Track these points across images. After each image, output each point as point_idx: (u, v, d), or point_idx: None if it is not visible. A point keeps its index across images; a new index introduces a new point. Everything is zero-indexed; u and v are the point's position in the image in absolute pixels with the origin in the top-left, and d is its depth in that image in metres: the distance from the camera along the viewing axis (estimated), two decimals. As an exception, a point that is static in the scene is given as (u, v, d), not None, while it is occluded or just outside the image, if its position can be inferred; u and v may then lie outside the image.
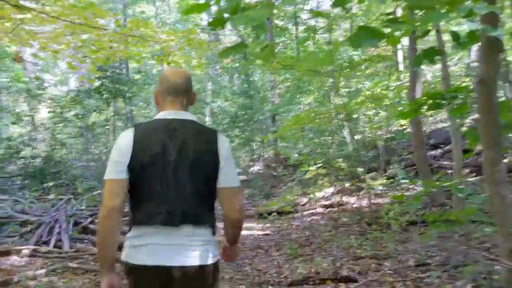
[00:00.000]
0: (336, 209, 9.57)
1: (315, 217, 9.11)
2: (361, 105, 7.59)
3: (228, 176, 1.93)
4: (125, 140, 1.89)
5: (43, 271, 4.73)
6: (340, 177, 11.37)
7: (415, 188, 10.06)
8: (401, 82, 9.28)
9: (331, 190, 10.36)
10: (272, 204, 7.92)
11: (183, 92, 2.00)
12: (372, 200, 9.70)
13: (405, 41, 14.39)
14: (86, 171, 12.52)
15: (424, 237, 4.01)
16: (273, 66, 7.29)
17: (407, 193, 9.75)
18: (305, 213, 9.72)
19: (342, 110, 7.23)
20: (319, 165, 8.48)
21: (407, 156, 12.27)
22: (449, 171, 10.31)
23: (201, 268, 1.85)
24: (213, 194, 1.94)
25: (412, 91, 8.15)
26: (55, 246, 6.03)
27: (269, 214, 9.56)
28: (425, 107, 3.72)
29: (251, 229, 8.56)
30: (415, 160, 8.29)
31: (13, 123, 12.06)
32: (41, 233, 6.33)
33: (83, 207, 8.58)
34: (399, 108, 7.90)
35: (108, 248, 1.86)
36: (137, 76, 15.43)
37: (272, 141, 16.92)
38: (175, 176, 1.86)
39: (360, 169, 9.70)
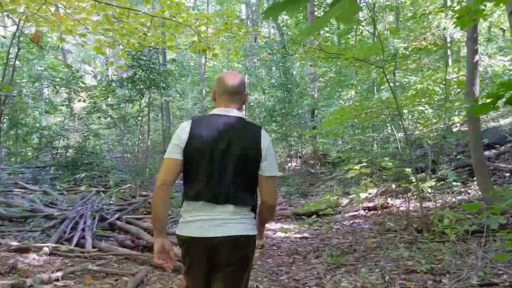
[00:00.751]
0: (380, 212, 8.86)
1: (357, 220, 8.44)
2: (413, 99, 6.84)
3: (268, 167, 2.28)
4: (184, 128, 2.29)
5: (60, 273, 4.31)
6: (385, 177, 10.62)
7: (468, 191, 9.23)
8: (456, 75, 8.44)
9: (374, 191, 9.63)
10: (312, 206, 7.32)
11: (236, 93, 2.36)
12: (419, 204, 8.94)
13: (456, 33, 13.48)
14: (119, 163, 12.24)
15: (499, 256, 3.31)
16: (316, 55, 6.65)
17: (459, 197, 8.95)
18: (346, 215, 9.06)
19: (392, 105, 6.52)
20: (363, 164, 7.78)
21: (458, 157, 11.38)
22: (507, 174, 9.43)
23: (239, 238, 2.21)
24: (254, 181, 2.30)
25: (470, 84, 7.34)
26: (77, 244, 5.64)
27: (307, 215, 8.96)
28: (503, 100, 3.05)
29: (288, 231, 7.98)
30: (472, 162, 7.47)
31: (47, 112, 11.91)
32: (64, 229, 5.97)
33: (111, 201, 8.22)
34: (457, 104, 7.10)
35: (160, 215, 2.24)
36: (172, 66, 15.07)
37: (310, 137, 16.25)
38: (221, 164, 2.22)
39: (408, 169, 8.93)
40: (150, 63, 9.97)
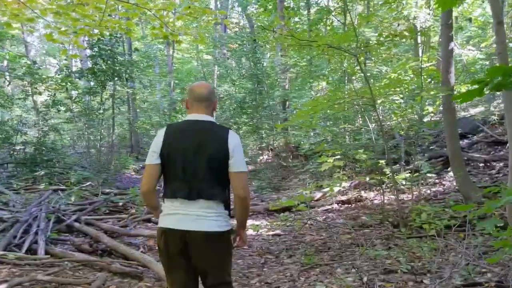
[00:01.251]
0: (354, 205, 8.62)
1: (331, 215, 8.18)
2: (387, 88, 6.57)
3: (236, 164, 2.50)
4: (159, 135, 2.57)
5: (4, 286, 3.82)
6: (358, 169, 10.41)
7: (443, 183, 9.09)
8: (427, 64, 8.24)
9: (347, 184, 9.38)
10: (285, 203, 6.99)
11: (206, 100, 2.62)
12: (394, 196, 8.75)
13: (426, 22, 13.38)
14: (82, 160, 11.63)
15: (490, 259, 3.03)
16: (287, 43, 6.29)
17: (434, 189, 8.80)
18: (319, 209, 8.78)
19: (366, 94, 6.23)
20: (337, 157, 7.49)
21: (431, 147, 11.28)
22: (480, 164, 9.33)
23: (210, 234, 2.43)
24: (225, 177, 2.51)
25: (446, 72, 7.13)
26: (29, 250, 5.14)
27: (280, 211, 8.64)
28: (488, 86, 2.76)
29: (259, 229, 7.64)
30: (448, 153, 7.28)
31: (2, 106, 11.16)
32: (14, 233, 5.44)
33: (71, 201, 7.69)
34: (432, 92, 6.87)
35: (152, 205, 2.68)
36: (136, 56, 14.44)
37: (282, 129, 15.94)
38: (194, 164, 2.47)
39: (382, 161, 8.72)
40: (112, 52, 9.39)
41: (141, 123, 21.63)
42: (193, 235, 2.42)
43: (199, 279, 2.62)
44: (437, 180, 9.19)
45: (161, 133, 2.59)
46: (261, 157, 15.92)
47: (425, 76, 10.58)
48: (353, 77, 12.87)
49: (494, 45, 13.21)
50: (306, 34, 7.58)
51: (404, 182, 8.75)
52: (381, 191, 7.97)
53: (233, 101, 15.13)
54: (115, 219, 7.55)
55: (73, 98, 10.84)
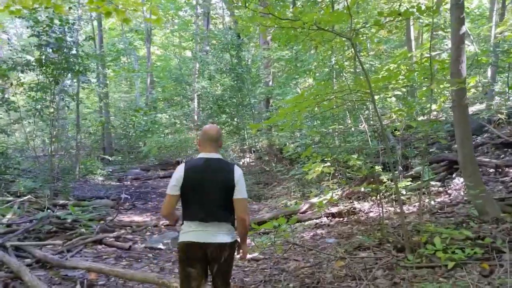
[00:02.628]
0: (346, 219, 7.45)
1: (319, 232, 6.99)
2: (387, 81, 5.39)
3: (239, 192, 3.22)
4: (180, 170, 3.25)
5: None
6: (349, 175, 9.24)
7: (448, 192, 7.94)
8: (437, 52, 7.08)
9: (338, 192, 8.20)
10: (264, 226, 5.77)
11: (215, 141, 3.36)
12: (393, 208, 7.59)
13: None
14: (33, 166, 10.25)
15: None
16: (265, 24, 5.06)
17: (439, 199, 7.66)
18: (306, 223, 7.59)
19: (364, 88, 5.04)
20: (327, 163, 6.30)
21: (431, 150, 10.14)
22: (491, 170, 8.23)
23: (223, 244, 3.18)
24: (231, 203, 3.23)
25: (456, 62, 5.97)
26: None
27: (259, 224, 7.44)
28: None
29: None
30: (459, 157, 6.13)
31: None
32: None
33: (6, 218, 6.38)
34: (442, 86, 5.70)
35: (172, 220, 3.45)
36: (90, 48, 13.02)
37: (266, 129, 14.71)
38: (208, 194, 3.21)
39: (377, 167, 7.56)
40: (62, 41, 8.07)
41: (118, 124, 20.39)
42: (212, 245, 3.15)
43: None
44: (441, 189, 8.05)
45: (181, 169, 3.25)
46: (243, 160, 14.68)
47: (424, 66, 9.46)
48: (343, 74, 11.72)
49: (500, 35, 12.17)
50: (288, 8, 6.31)
51: (404, 192, 7.61)
52: (379, 202, 6.77)
53: (210, 98, 13.79)
54: (59, 242, 6.25)
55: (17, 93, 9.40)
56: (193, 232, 3.17)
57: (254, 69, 14.25)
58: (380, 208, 7.58)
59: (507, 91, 11.85)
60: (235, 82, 12.68)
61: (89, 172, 13.12)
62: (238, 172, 3.24)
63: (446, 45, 9.52)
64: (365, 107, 12.31)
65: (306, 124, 9.95)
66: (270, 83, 14.24)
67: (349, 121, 10.78)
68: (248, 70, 12.97)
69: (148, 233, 7.46)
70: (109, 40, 21.54)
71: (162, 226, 7.87)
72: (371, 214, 7.51)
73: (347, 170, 9.23)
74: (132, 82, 30.00)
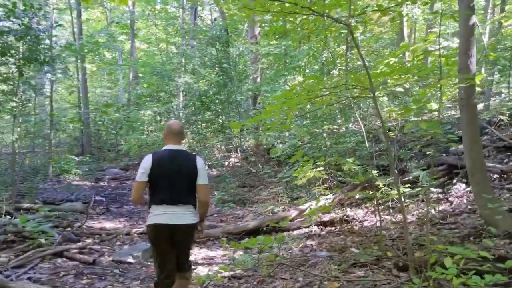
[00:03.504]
0: (339, 228, 6.78)
1: (310, 243, 6.31)
2: (387, 76, 4.72)
3: (201, 179, 3.74)
4: (147, 160, 3.70)
5: None
6: (340, 178, 8.59)
7: (449, 199, 7.31)
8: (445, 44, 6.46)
9: (329, 197, 7.52)
10: (246, 244, 5.06)
11: (179, 134, 3.85)
12: (390, 217, 6.95)
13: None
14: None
15: None
16: (249, 7, 4.36)
17: (441, 208, 7.03)
18: (294, 232, 6.92)
19: (365, 83, 4.38)
20: (320, 167, 5.63)
21: (428, 152, 9.50)
22: (494, 176, 7.63)
23: (188, 225, 3.66)
24: (194, 188, 3.75)
25: (464, 56, 5.35)
26: None
27: (242, 234, 6.77)
28: None
29: (211, 263, 5.75)
30: (467, 161, 5.51)
31: None
32: None
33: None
34: (450, 82, 5.06)
35: (142, 204, 3.86)
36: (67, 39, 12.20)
37: (252, 128, 14.00)
38: (173, 180, 3.67)
39: (373, 172, 6.91)
40: (29, 28, 7.27)
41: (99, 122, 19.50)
42: (178, 226, 3.64)
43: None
44: (441, 196, 7.43)
45: (149, 159, 3.73)
46: (229, 160, 13.95)
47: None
48: (335, 70, 11.07)
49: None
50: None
51: (402, 199, 6.97)
52: (374, 210, 6.11)
53: (193, 94, 12.98)
54: (13, 254, 5.51)
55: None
56: (160, 215, 3.64)
57: (241, 64, 13.51)
58: (376, 217, 6.97)
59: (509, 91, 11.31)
60: (221, 77, 11.94)
61: (63, 172, 12.31)
62: (200, 162, 3.80)
63: (447, 39, 8.91)
64: (356, 106, 11.70)
65: (295, 123, 9.27)
66: (258, 79, 13.54)
67: (340, 121, 10.12)
68: (235, 64, 12.23)
69: (118, 243, 6.72)
70: (88, 32, 20.64)
71: (135, 234, 7.13)
72: (366, 223, 6.86)
73: (339, 173, 8.59)
74: (116, 78, 29.06)
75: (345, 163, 6.02)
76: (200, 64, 13.08)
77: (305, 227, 7.02)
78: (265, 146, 13.29)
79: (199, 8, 22.25)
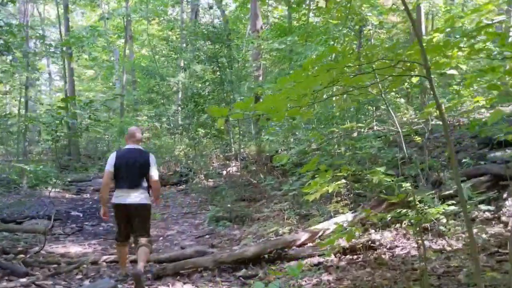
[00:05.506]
0: (362, 257, 5.30)
1: (326, 278, 4.84)
2: (449, 49, 3.27)
3: (152, 171, 5.11)
4: (113, 156, 5.16)
5: None
6: (359, 191, 7.15)
7: (502, 219, 5.85)
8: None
9: (349, 217, 6.05)
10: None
11: (137, 137, 5.29)
12: (428, 242, 5.48)
13: None
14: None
15: None
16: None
17: (493, 231, 5.57)
18: (305, 262, 5.45)
19: (416, 57, 2.99)
20: (341, 179, 4.20)
21: (464, 160, 8.01)
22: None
23: (143, 204, 5.01)
24: (146, 177, 5.10)
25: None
26: None
27: (237, 264, 5.33)
28: None
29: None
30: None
31: None
32: None
33: None
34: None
35: (104, 196, 5.15)
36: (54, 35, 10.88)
37: (254, 134, 12.57)
38: (132, 170, 5.01)
39: (406, 184, 5.44)
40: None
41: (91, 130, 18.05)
42: (134, 205, 4.97)
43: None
44: (489, 214, 5.94)
45: (113, 155, 5.18)
46: (228, 169, 12.50)
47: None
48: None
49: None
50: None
51: (444, 220, 5.51)
52: (419, 239, 4.61)
53: (187, 94, 11.50)
54: None
55: None
56: (121, 196, 5.01)
57: (241, 60, 12.07)
58: (411, 243, 5.51)
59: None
60: (217, 73, 10.50)
61: (39, 183, 10.94)
62: (152, 157, 5.25)
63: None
64: (370, 106, 10.25)
65: (303, 127, 7.86)
66: (261, 78, 12.15)
67: (355, 122, 8.67)
68: (233, 60, 10.79)
69: (78, 276, 5.27)
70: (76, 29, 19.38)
71: (104, 263, 5.68)
72: (397, 251, 5.38)
73: (356, 185, 7.15)
74: (112, 82, 27.81)
75: (374, 174, 4.56)
76: (193, 58, 11.66)
77: (319, 255, 5.56)
78: (267, 154, 11.87)
79: (201, 12, 20.92)
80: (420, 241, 4.73)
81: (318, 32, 14.16)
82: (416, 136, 8.21)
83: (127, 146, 5.23)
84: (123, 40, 24.46)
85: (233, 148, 13.06)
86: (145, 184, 5.08)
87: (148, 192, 5.12)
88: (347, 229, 5.31)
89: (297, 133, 12.57)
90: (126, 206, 4.93)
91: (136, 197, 4.95)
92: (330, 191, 4.40)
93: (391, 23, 13.94)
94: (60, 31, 16.66)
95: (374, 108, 10.45)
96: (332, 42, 13.10)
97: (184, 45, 14.83)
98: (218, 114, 2.78)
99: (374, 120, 10.01)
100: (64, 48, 13.54)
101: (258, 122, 10.30)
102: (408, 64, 3.33)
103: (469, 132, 9.80)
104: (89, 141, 22.84)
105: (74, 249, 6.54)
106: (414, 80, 6.16)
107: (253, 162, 11.43)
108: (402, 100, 12.88)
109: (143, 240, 5.01)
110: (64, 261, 5.72)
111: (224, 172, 12.40)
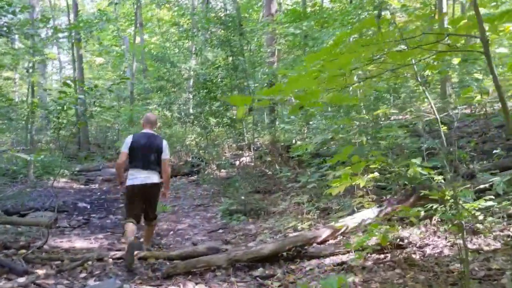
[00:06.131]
0: (389, 257, 4.87)
1: (351, 279, 4.41)
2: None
3: (165, 155, 5.62)
4: (129, 138, 5.65)
5: None
6: (384, 184, 6.68)
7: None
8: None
9: (374, 211, 5.61)
10: None
11: (152, 123, 5.84)
12: (465, 242, 5.03)
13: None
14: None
15: None
16: None
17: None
18: (327, 261, 5.04)
19: (462, 30, 2.51)
20: (375, 171, 3.76)
21: (497, 151, 7.50)
22: None
23: (155, 183, 5.54)
24: (160, 160, 5.57)
25: None
26: None
27: (254, 262, 4.93)
28: None
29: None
30: None
31: None
32: None
33: None
34: None
35: (121, 174, 5.70)
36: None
37: (268, 122, 12.14)
38: (145, 153, 5.51)
39: (438, 177, 4.98)
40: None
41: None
42: (147, 184, 5.46)
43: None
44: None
45: (130, 138, 5.65)
46: (242, 159, 12.10)
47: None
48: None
49: None
50: None
51: (481, 217, 5.05)
52: (453, 237, 4.16)
53: (199, 80, 11.02)
54: None
55: None
56: (135, 178, 5.47)
57: (254, 45, 11.58)
58: (442, 241, 5.06)
59: None
60: (232, 58, 10.01)
61: (45, 173, 10.62)
62: (164, 142, 5.71)
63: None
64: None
65: (324, 114, 7.39)
66: (275, 65, 11.67)
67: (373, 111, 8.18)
68: (248, 43, 10.31)
69: (83, 274, 4.90)
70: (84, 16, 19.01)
71: (110, 260, 5.31)
72: (428, 250, 4.94)
73: (385, 176, 6.68)
74: (123, 71, 27.47)
75: (410, 166, 4.11)
76: (205, 42, 11.20)
77: (342, 253, 5.14)
78: (282, 143, 11.43)
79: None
80: (454, 240, 4.30)
81: (335, 17, 13.64)
82: (443, 126, 7.72)
83: (143, 131, 5.76)
84: (133, 28, 24.10)
85: (246, 138, 12.64)
86: (157, 167, 5.56)
87: (160, 174, 5.63)
88: (377, 228, 4.87)
89: (310, 122, 12.11)
90: (139, 186, 5.44)
91: (148, 177, 5.46)
92: (362, 185, 3.97)
93: (412, 7, 13.33)
94: (69, 17, 16.29)
95: (392, 96, 9.95)
96: (350, 27, 12.57)
97: (195, 30, 14.36)
98: (240, 103, 2.35)
99: (392, 108, 9.52)
100: (73, 33, 13.19)
101: (276, 109, 9.83)
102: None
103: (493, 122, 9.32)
104: (99, 130, 22.58)
105: (79, 243, 6.20)
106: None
107: (267, 152, 10.99)
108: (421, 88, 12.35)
109: (150, 222, 5.76)
110: (68, 258, 5.35)
111: (237, 163, 12.00)
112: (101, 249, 5.93)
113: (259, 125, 13.11)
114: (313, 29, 12.63)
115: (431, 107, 4.29)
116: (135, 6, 19.32)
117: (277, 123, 11.84)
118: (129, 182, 5.45)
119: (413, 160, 4.23)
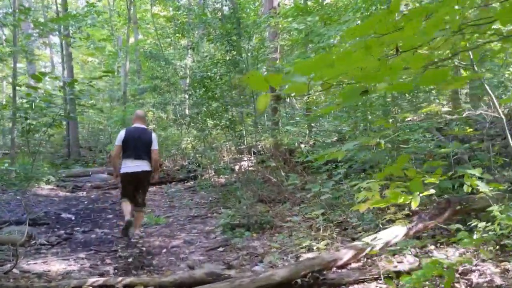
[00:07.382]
0: (427, 284, 4.01)
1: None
2: None
3: (154, 146, 6.47)
4: (122, 132, 6.50)
5: None
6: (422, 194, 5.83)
7: None
8: None
9: (403, 229, 4.76)
10: None
11: (142, 118, 6.77)
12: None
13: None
14: None
15: None
16: None
17: None
18: (350, 289, 4.19)
19: None
20: (430, 189, 2.93)
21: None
22: None
23: (146, 171, 6.42)
24: (149, 151, 6.44)
25: None
26: None
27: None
28: None
29: None
30: None
31: None
32: None
33: None
34: None
35: (116, 165, 6.61)
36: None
37: (271, 125, 11.30)
38: (137, 145, 6.37)
39: (483, 187, 4.14)
40: None
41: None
42: (139, 172, 6.28)
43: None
44: None
45: (123, 132, 6.46)
46: (241, 163, 11.25)
47: None
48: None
49: None
50: None
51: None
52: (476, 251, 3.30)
53: (196, 77, 10.13)
54: None
55: None
56: (128, 166, 6.30)
57: (256, 39, 10.74)
58: (489, 265, 4.22)
59: None
60: (231, 53, 9.16)
61: (27, 180, 9.75)
62: (153, 135, 6.54)
63: None
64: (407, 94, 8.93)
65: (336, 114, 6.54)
66: (278, 61, 10.84)
67: (399, 111, 7.34)
68: (249, 37, 9.47)
69: (54, 310, 4.03)
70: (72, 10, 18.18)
71: (90, 288, 4.43)
72: (474, 278, 4.09)
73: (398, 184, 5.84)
74: (114, 69, 26.62)
75: (465, 178, 3.28)
76: (202, 35, 10.33)
77: (370, 280, 4.29)
78: (285, 147, 10.59)
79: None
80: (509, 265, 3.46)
81: (340, 11, 12.83)
82: (468, 128, 6.90)
83: (134, 125, 6.60)
84: (127, 28, 23.27)
85: (245, 141, 11.78)
86: (147, 157, 6.37)
87: (150, 163, 6.42)
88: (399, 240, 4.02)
89: (313, 124, 11.28)
90: (132, 174, 6.31)
91: (139, 166, 6.31)
92: (415, 206, 3.15)
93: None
94: (57, 12, 15.46)
95: (410, 95, 9.14)
96: (358, 22, 11.77)
97: (192, 26, 13.51)
98: (261, 87, 1.52)
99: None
100: (61, 28, 12.39)
101: (279, 110, 8.99)
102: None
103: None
104: (90, 132, 21.72)
105: (56, 266, 5.31)
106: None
107: (269, 156, 10.15)
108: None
109: (140, 209, 6.52)
110: (40, 286, 4.49)
111: (237, 168, 11.15)
112: (81, 272, 5.06)
113: (259, 127, 12.27)
114: (317, 25, 11.82)
115: (495, 105, 3.49)
116: (128, 2, 18.45)
117: (279, 125, 11.00)
118: (123, 170, 6.37)
119: (469, 171, 3.39)
